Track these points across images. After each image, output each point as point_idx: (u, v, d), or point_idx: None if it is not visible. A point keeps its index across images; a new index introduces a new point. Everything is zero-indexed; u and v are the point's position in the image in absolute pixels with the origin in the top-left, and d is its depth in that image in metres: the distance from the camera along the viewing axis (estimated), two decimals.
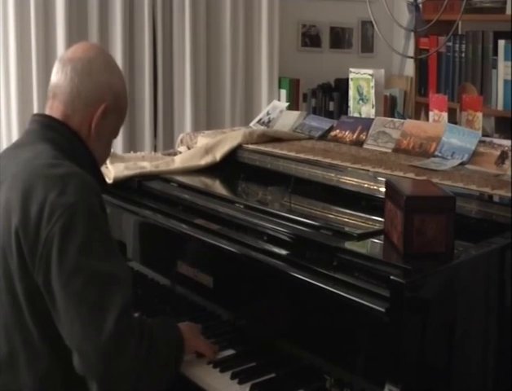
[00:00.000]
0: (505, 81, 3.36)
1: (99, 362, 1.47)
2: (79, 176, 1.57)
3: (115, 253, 1.56)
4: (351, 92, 2.67)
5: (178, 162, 2.38)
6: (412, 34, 3.10)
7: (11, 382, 1.56)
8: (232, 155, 2.41)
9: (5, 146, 3.19)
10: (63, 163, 1.59)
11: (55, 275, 1.47)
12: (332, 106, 4.07)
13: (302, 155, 2.22)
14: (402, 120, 2.34)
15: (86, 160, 1.70)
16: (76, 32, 3.57)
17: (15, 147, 1.71)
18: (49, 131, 1.67)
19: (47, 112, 1.71)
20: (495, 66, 3.41)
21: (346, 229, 1.68)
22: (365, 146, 2.33)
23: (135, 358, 1.49)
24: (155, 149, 3.77)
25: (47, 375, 1.55)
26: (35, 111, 3.38)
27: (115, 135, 1.80)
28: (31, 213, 1.50)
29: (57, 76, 1.70)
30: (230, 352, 1.74)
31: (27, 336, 1.54)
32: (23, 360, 1.55)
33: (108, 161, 2.34)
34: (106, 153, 1.81)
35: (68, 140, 1.67)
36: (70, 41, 3.51)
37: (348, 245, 1.56)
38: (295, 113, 2.77)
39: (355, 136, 2.39)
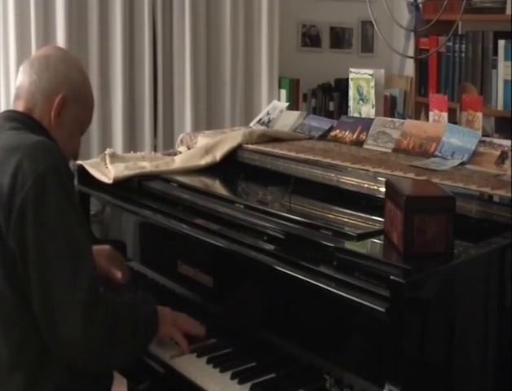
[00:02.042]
0: (505, 81, 3.36)
1: (69, 331, 1.50)
2: (47, 144, 1.64)
3: (83, 222, 1.63)
4: (351, 92, 2.67)
5: (178, 162, 2.38)
6: (412, 34, 3.10)
7: None
8: (232, 155, 2.40)
9: None
10: (29, 135, 1.66)
11: (30, 241, 1.52)
12: (332, 106, 4.08)
13: (302, 155, 2.22)
14: (402, 120, 2.34)
15: None
16: (76, 32, 3.58)
17: None
18: (12, 122, 1.72)
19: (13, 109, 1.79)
20: (495, 66, 3.42)
21: (346, 229, 1.68)
22: (365, 146, 2.33)
23: (102, 328, 1.53)
24: (155, 149, 3.77)
25: (24, 344, 1.57)
26: None
27: (80, 128, 1.83)
28: (4, 183, 1.55)
29: (19, 77, 1.78)
30: (230, 352, 1.74)
31: (2, 304, 1.56)
32: (0, 331, 1.57)
33: (108, 161, 2.34)
34: (72, 146, 1.82)
35: (31, 129, 1.71)
36: (70, 41, 3.52)
37: (348, 245, 1.56)
38: (295, 113, 2.77)
39: (355, 136, 2.39)
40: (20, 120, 1.73)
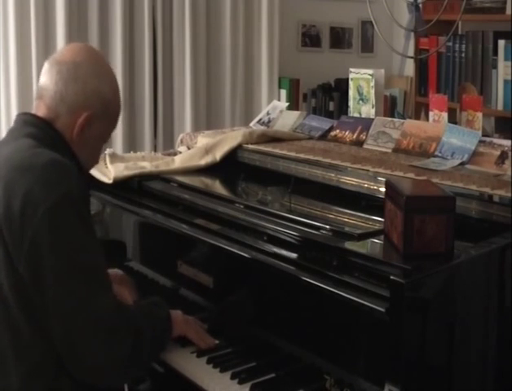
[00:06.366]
0: (505, 81, 3.36)
1: (93, 356, 1.50)
2: (59, 164, 1.55)
3: (98, 244, 1.58)
4: (351, 92, 2.67)
5: (178, 162, 2.38)
6: (412, 34, 3.10)
7: None
8: (232, 155, 2.41)
9: None
10: (42, 151, 1.57)
11: (46, 273, 1.48)
12: (332, 106, 4.07)
13: (302, 155, 2.22)
14: (402, 120, 2.34)
15: (69, 157, 1.65)
16: (76, 32, 3.57)
17: None
18: (30, 127, 1.64)
19: (33, 111, 1.69)
20: (495, 66, 3.42)
21: (346, 229, 1.68)
22: (365, 146, 2.33)
23: (124, 348, 1.53)
24: (155, 149, 3.77)
25: (37, 371, 1.54)
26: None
27: (104, 140, 1.77)
28: (14, 207, 1.48)
29: (44, 77, 1.67)
30: (230, 352, 1.74)
31: (15, 332, 1.53)
32: (11, 357, 1.54)
33: (108, 161, 2.34)
34: (93, 157, 1.77)
35: (49, 137, 1.64)
36: (70, 41, 3.51)
37: (348, 245, 1.56)
38: (295, 113, 2.77)
39: (355, 136, 2.39)
40: (39, 127, 1.64)
